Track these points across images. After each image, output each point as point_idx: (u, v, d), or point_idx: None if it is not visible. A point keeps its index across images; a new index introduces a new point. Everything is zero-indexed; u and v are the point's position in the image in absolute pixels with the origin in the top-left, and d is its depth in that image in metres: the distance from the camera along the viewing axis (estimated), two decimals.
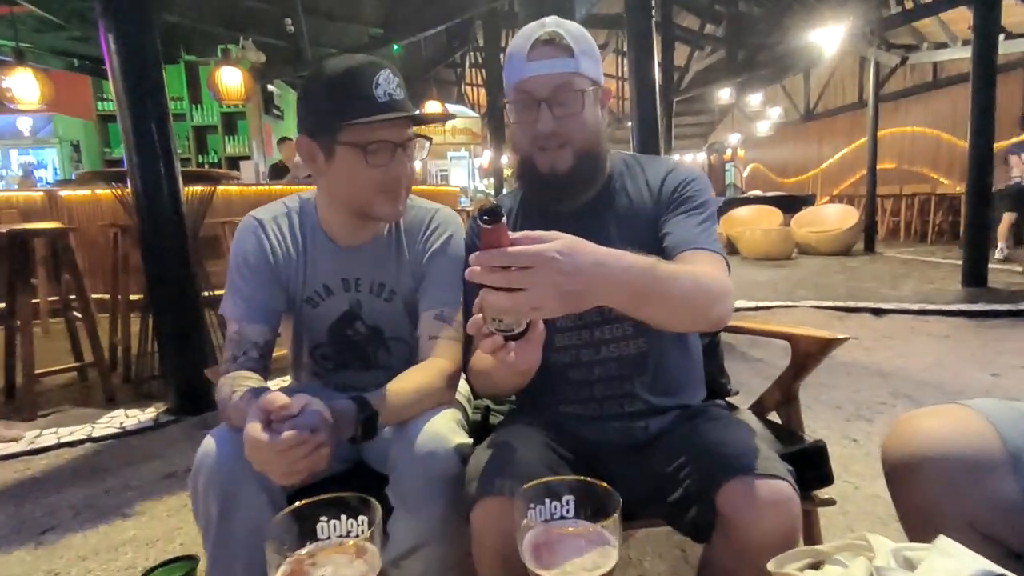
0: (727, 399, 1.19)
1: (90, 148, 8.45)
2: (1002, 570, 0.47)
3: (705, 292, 0.79)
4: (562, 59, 0.92)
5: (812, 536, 1.08)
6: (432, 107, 7.85)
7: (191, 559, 1.34)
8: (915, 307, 4.21)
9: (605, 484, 0.59)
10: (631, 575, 1.43)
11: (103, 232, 3.53)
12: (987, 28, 4.75)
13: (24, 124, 8.38)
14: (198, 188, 2.88)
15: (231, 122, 8.13)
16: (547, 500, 0.59)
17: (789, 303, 4.51)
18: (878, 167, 7.90)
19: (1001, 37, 5.00)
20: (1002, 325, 3.78)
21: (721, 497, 0.75)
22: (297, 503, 0.58)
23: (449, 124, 15.59)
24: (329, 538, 0.58)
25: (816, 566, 0.56)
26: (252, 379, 0.96)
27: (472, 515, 0.82)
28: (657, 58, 3.53)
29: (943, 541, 0.51)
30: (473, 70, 12.32)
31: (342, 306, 1.10)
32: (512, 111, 0.97)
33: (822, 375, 2.73)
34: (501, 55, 8.26)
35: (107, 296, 3.21)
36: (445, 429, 0.92)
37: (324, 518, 0.58)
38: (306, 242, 1.09)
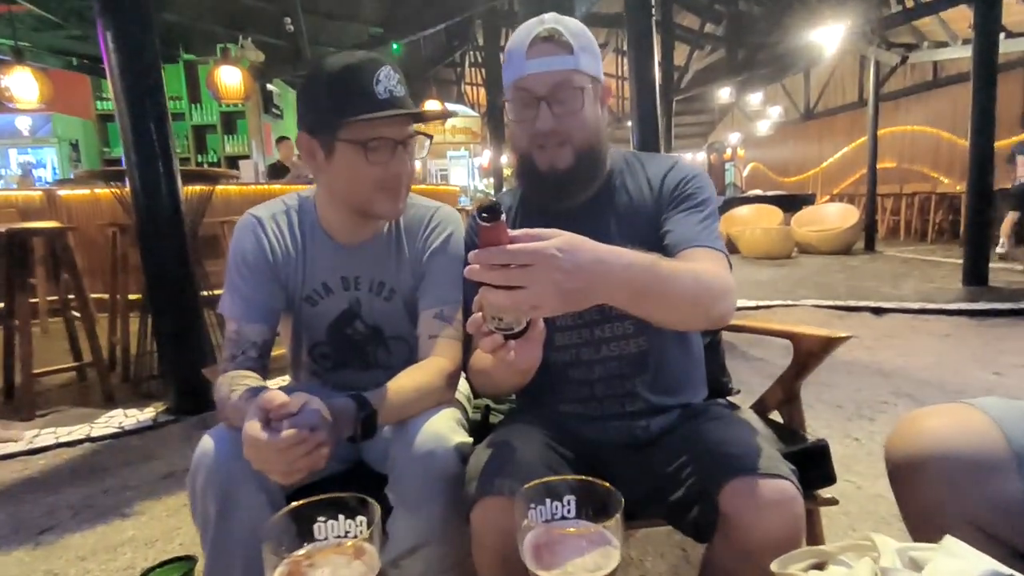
0: (728, 398, 1.19)
1: (89, 147, 8.45)
2: (1010, 571, 0.46)
3: (707, 289, 0.78)
4: (561, 56, 0.91)
5: (814, 536, 1.08)
6: (432, 106, 7.82)
7: (190, 559, 1.34)
8: (916, 306, 4.20)
9: (607, 484, 0.58)
10: (632, 575, 1.42)
11: (102, 231, 3.52)
12: (987, 27, 4.75)
13: (23, 123, 8.39)
14: (197, 187, 2.87)
15: (230, 121, 8.12)
16: (548, 500, 0.58)
17: (790, 302, 4.51)
18: (878, 166, 7.91)
19: (1001, 36, 4.99)
20: (1003, 324, 3.78)
21: (723, 497, 0.75)
22: (294, 503, 0.57)
23: (449, 123, 15.60)
24: (327, 538, 0.57)
25: (820, 566, 0.55)
26: (251, 378, 0.95)
27: (472, 515, 0.81)
28: (657, 57, 3.53)
29: (950, 541, 0.50)
30: (473, 69, 12.30)
31: (341, 305, 1.09)
32: (511, 109, 0.96)
33: (823, 374, 2.72)
34: (501, 54, 8.24)
35: (106, 295, 3.20)
36: (445, 428, 0.91)
37: (322, 518, 0.57)
38: (305, 240, 1.08)
